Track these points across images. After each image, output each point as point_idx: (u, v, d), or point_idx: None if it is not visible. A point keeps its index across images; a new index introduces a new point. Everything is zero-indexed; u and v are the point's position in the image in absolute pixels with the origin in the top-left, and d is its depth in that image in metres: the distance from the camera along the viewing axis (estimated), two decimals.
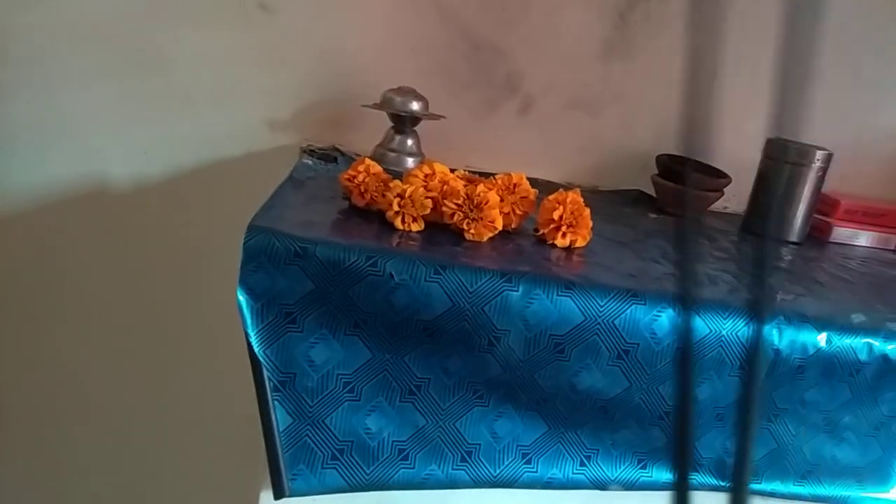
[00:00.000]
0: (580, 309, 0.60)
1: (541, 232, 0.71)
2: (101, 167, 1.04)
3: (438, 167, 0.70)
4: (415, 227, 0.66)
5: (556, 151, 1.10)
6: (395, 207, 0.65)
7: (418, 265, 0.58)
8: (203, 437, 1.17)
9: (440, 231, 0.68)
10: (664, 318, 0.61)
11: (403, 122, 0.96)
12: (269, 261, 0.57)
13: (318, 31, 1.02)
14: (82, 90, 1.00)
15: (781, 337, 0.62)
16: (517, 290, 0.59)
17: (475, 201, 0.66)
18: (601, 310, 0.60)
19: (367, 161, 0.71)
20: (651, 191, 1.06)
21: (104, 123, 1.02)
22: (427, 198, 0.67)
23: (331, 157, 0.94)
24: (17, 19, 0.96)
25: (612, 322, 0.60)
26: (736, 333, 0.62)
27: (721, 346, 0.62)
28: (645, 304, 0.61)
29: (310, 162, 0.88)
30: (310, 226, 0.61)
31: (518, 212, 0.71)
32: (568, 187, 1.09)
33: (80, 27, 0.98)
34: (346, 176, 0.70)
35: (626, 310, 0.60)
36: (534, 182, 1.07)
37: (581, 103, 1.08)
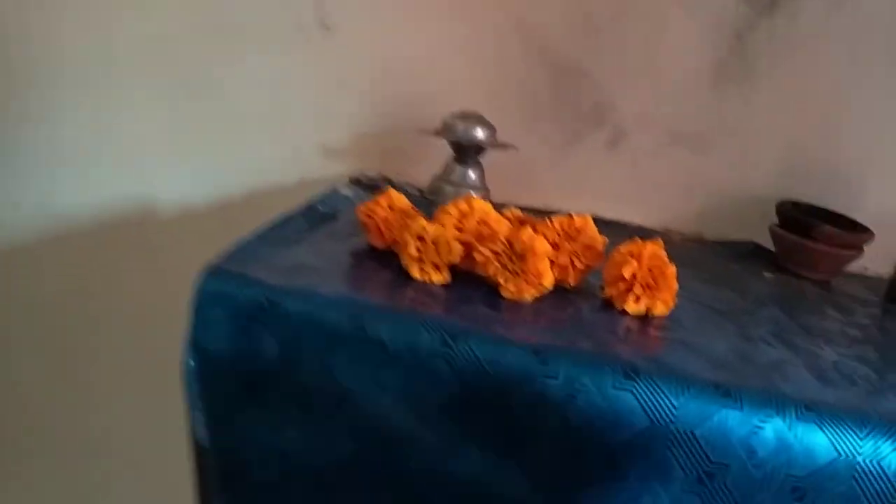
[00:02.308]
0: (645, 409, 0.41)
1: (607, 293, 0.53)
2: (148, 191, 0.95)
3: (478, 204, 0.54)
4: (436, 278, 0.50)
5: (652, 192, 0.91)
6: (413, 251, 0.50)
7: (422, 332, 0.42)
8: None
9: (472, 285, 0.51)
10: (768, 431, 0.41)
11: (466, 152, 0.80)
12: (227, 314, 0.42)
13: (382, 51, 0.89)
14: (132, 112, 0.92)
15: None
16: (557, 378, 0.41)
17: (517, 249, 0.50)
18: (676, 413, 0.41)
19: (393, 193, 0.56)
20: (769, 244, 0.85)
21: (152, 146, 0.93)
22: (457, 241, 0.51)
23: (377, 187, 0.80)
24: (70, 40, 0.90)
25: (692, 432, 0.41)
26: (878, 461, 0.41)
27: (856, 478, 0.41)
28: (741, 409, 0.41)
29: (348, 193, 0.74)
30: (298, 271, 0.47)
31: (579, 265, 0.53)
32: (666, 235, 0.90)
33: (132, 49, 0.90)
34: (365, 210, 0.55)
35: (714, 415, 0.41)
36: (623, 227, 0.90)
37: (684, 137, 0.88)
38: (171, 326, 1.00)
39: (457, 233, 0.51)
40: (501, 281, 0.49)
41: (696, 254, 0.84)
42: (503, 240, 0.50)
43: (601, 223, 0.89)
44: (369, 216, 0.55)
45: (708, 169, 0.89)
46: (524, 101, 0.89)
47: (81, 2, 0.89)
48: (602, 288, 0.54)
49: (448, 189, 0.80)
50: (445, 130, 0.79)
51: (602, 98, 0.87)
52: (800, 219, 0.79)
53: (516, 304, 0.49)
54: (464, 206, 0.54)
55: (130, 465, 1.08)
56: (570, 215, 0.55)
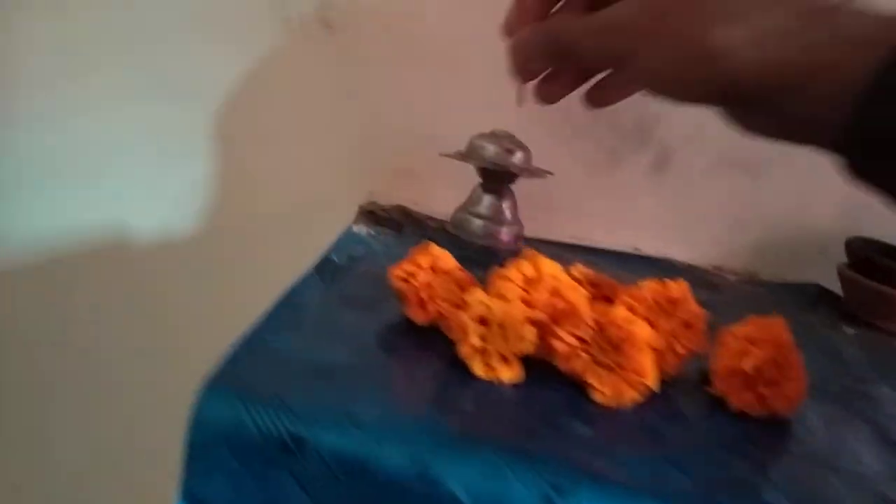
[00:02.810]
0: None
1: (717, 389, 0.41)
2: (121, 216, 0.81)
3: (547, 266, 0.42)
4: (506, 376, 0.38)
5: (700, 223, 0.79)
6: (475, 341, 0.37)
7: (512, 482, 0.30)
8: None
9: (548, 380, 0.39)
10: None
11: (497, 179, 0.68)
12: (236, 457, 0.30)
13: (395, 56, 0.76)
14: (99, 120, 0.77)
15: None
16: None
17: (611, 336, 0.38)
18: None
19: (434, 250, 0.44)
20: (834, 285, 0.74)
21: (124, 162, 0.79)
22: (530, 322, 0.38)
23: (394, 222, 0.67)
24: (24, 31, 0.75)
25: None
26: None
27: None
28: None
29: (363, 231, 0.61)
30: (325, 375, 0.34)
31: (680, 349, 0.41)
32: (715, 273, 0.79)
33: (100, 42, 0.75)
34: (401, 273, 0.43)
35: None
36: (667, 264, 0.78)
37: (738, 160, 0.77)
38: (147, 370, 0.87)
39: (526, 309, 0.38)
40: (593, 381, 0.37)
41: (754, 299, 0.72)
42: (590, 323, 0.38)
43: (644, 261, 0.78)
44: (406, 281, 0.42)
45: (764, 198, 0.78)
46: (556, 116, 0.76)
47: None
48: (705, 380, 0.42)
49: (476, 223, 0.68)
50: (473, 154, 0.67)
51: (646, 113, 0.75)
52: (875, 260, 0.68)
53: (612, 413, 0.37)
54: (529, 269, 0.41)
55: None
56: (662, 282, 0.43)
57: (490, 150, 0.66)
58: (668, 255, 0.79)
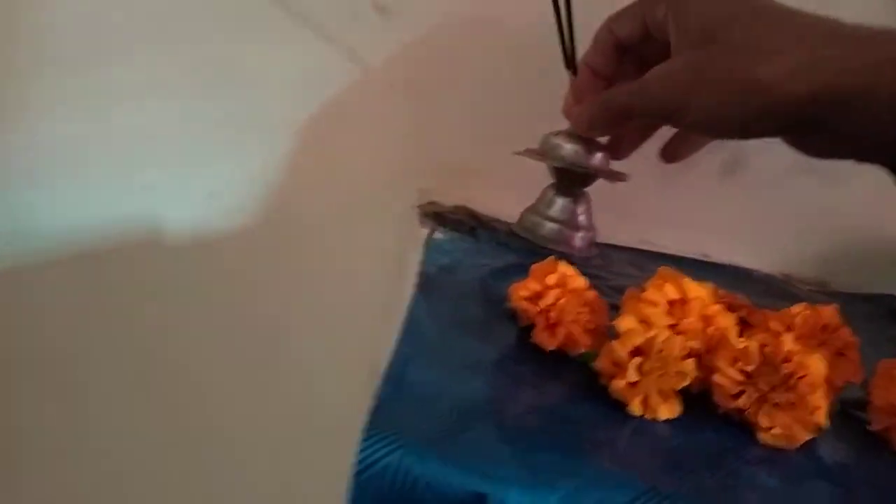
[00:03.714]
0: None
1: (877, 426, 0.37)
2: (154, 210, 0.76)
3: (694, 289, 0.38)
4: (664, 414, 0.34)
5: (771, 230, 0.76)
6: (633, 375, 0.33)
7: None
8: None
9: (705, 417, 0.35)
10: None
11: (572, 181, 0.63)
12: None
13: (451, 42, 0.70)
14: (132, 111, 0.71)
15: None
16: None
17: (782, 371, 0.34)
18: None
19: (561, 266, 0.40)
20: None
21: (157, 154, 0.73)
22: (687, 356, 0.34)
23: (465, 226, 0.62)
24: (58, 16, 0.69)
25: None
26: None
27: None
28: None
29: (440, 237, 0.57)
30: (482, 417, 0.30)
31: (837, 381, 0.38)
32: (786, 282, 0.76)
33: (133, 28, 0.69)
34: (526, 292, 0.38)
35: None
36: (741, 272, 0.74)
37: (814, 167, 0.72)
38: (177, 371, 0.82)
39: (682, 340, 0.34)
40: (763, 422, 0.33)
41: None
42: (757, 355, 0.34)
43: (714, 268, 0.74)
44: (533, 301, 0.38)
45: (838, 204, 0.74)
46: None
47: None
48: (864, 420, 0.38)
49: (547, 227, 0.63)
50: (549, 152, 0.62)
51: None
52: None
53: (782, 456, 0.33)
54: (672, 291, 0.37)
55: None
56: (814, 307, 0.39)
57: (567, 149, 0.61)
58: (736, 261, 0.75)
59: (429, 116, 0.72)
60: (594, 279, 0.57)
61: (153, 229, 0.75)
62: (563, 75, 0.54)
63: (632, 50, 0.43)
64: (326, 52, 0.69)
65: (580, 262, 0.62)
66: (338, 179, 0.74)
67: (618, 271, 0.60)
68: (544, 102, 0.58)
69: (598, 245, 0.68)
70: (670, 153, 0.47)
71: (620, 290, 0.53)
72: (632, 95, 0.38)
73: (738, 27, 0.32)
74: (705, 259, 0.74)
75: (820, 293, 0.73)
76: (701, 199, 0.74)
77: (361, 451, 0.25)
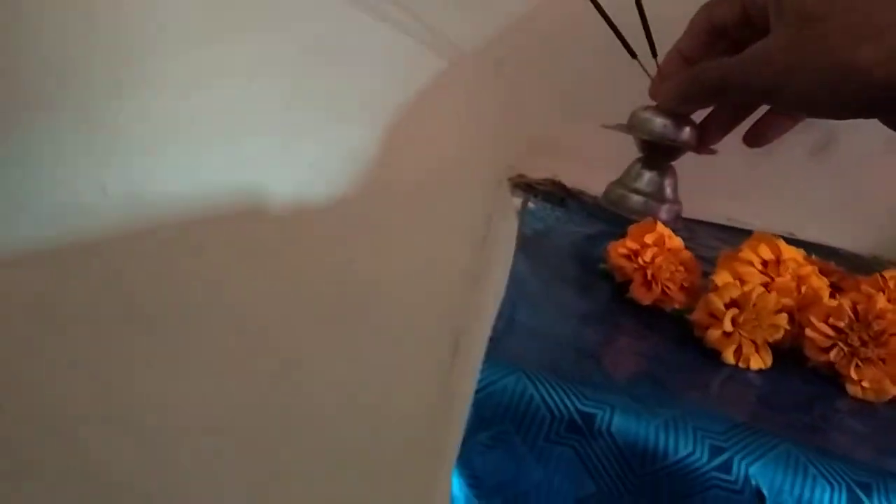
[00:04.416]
0: None
1: None
2: (258, 179, 0.81)
3: (788, 250, 0.40)
4: (756, 364, 0.36)
5: (861, 210, 0.75)
6: (728, 326, 0.35)
7: (808, 467, 0.28)
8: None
9: (795, 370, 0.37)
10: None
11: (660, 155, 0.65)
12: (520, 433, 0.28)
13: (541, 20, 0.72)
14: (240, 84, 0.77)
15: None
16: None
17: (874, 328, 0.35)
18: None
19: (659, 227, 0.42)
20: None
21: (263, 126, 0.78)
22: (779, 311, 0.36)
23: (555, 197, 0.65)
24: None
25: None
26: None
27: None
28: None
29: (533, 206, 0.59)
30: (587, 355, 0.33)
31: None
32: (874, 261, 0.75)
33: (248, 9, 0.74)
34: (624, 249, 0.41)
35: None
36: (827, 250, 0.74)
37: None
38: (276, 335, 0.88)
39: (776, 296, 0.36)
40: (853, 374, 0.35)
41: None
42: (849, 311, 0.35)
43: (797, 244, 0.75)
44: (631, 258, 0.40)
45: None
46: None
47: None
48: None
49: (634, 199, 0.65)
50: (638, 126, 0.64)
51: None
52: None
53: (871, 408, 0.35)
54: (766, 252, 0.39)
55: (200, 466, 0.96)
56: None
57: (657, 122, 0.63)
58: (822, 241, 0.75)
59: (518, 93, 0.74)
60: None
61: (258, 197, 0.81)
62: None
63: (727, 35, 0.43)
64: (422, 31, 0.73)
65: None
66: (430, 153, 0.78)
67: (704, 243, 0.62)
68: (632, 80, 0.60)
69: (684, 220, 0.69)
70: (754, 137, 0.48)
71: (707, 259, 0.55)
72: (729, 71, 0.38)
73: (839, 8, 0.33)
74: (791, 237, 0.74)
75: None
76: (789, 177, 0.75)
77: (482, 373, 0.28)
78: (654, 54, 0.57)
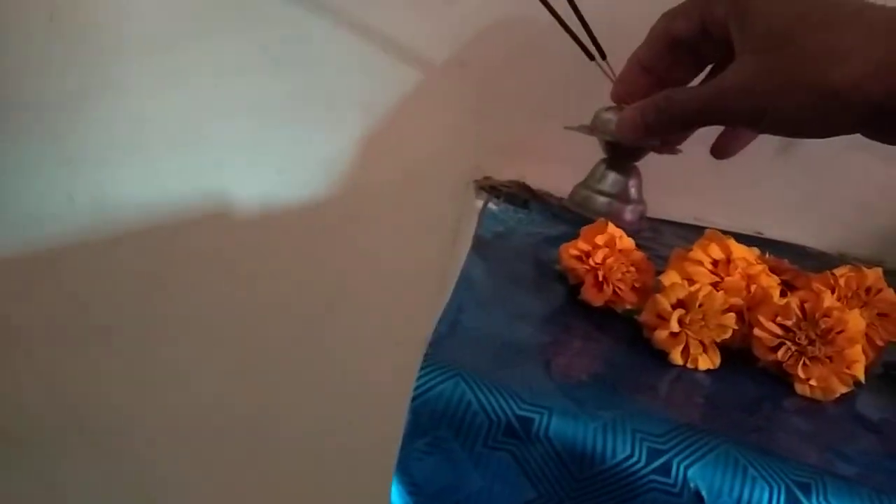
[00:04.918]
0: None
1: None
2: (223, 185, 0.80)
3: (737, 249, 0.39)
4: (704, 364, 0.36)
5: (827, 207, 0.75)
6: (675, 326, 0.35)
7: (747, 467, 0.28)
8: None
9: (742, 370, 0.37)
10: None
11: (624, 155, 0.65)
12: (458, 438, 0.28)
13: (506, 23, 0.72)
14: (205, 88, 0.76)
15: None
16: None
17: (821, 326, 0.35)
18: None
19: (610, 228, 0.42)
20: None
21: (229, 129, 0.77)
22: (727, 311, 0.36)
23: (519, 199, 0.65)
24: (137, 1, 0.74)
25: None
26: None
27: None
28: None
29: (495, 208, 0.59)
30: (530, 357, 0.32)
31: (879, 341, 0.39)
32: (842, 261, 0.76)
33: (211, 12, 0.74)
34: (576, 251, 0.41)
35: None
36: (796, 249, 0.75)
37: (869, 142, 0.73)
38: (244, 339, 0.87)
39: (723, 296, 0.36)
40: (800, 373, 0.35)
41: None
42: (796, 310, 0.35)
43: (764, 243, 0.75)
44: (582, 259, 0.40)
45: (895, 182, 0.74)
46: None
47: None
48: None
49: (599, 201, 0.65)
50: (599, 127, 0.64)
51: None
52: None
53: (820, 407, 0.35)
54: (716, 251, 0.39)
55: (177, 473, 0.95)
56: (858, 269, 0.40)
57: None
58: (789, 239, 0.75)
59: (486, 96, 0.74)
60: (643, 249, 0.59)
61: (224, 203, 0.80)
62: (614, 54, 0.56)
63: (685, 47, 0.43)
64: (389, 33, 0.72)
65: (630, 235, 0.64)
66: (398, 156, 0.77)
67: (668, 243, 0.62)
68: (598, 81, 0.59)
69: (650, 220, 0.69)
70: (721, 150, 0.48)
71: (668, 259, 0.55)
72: (706, 101, 0.37)
73: (806, 29, 0.32)
74: (758, 236, 0.75)
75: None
76: (755, 175, 0.75)
77: (418, 379, 0.28)
78: (604, 56, 0.57)
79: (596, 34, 0.59)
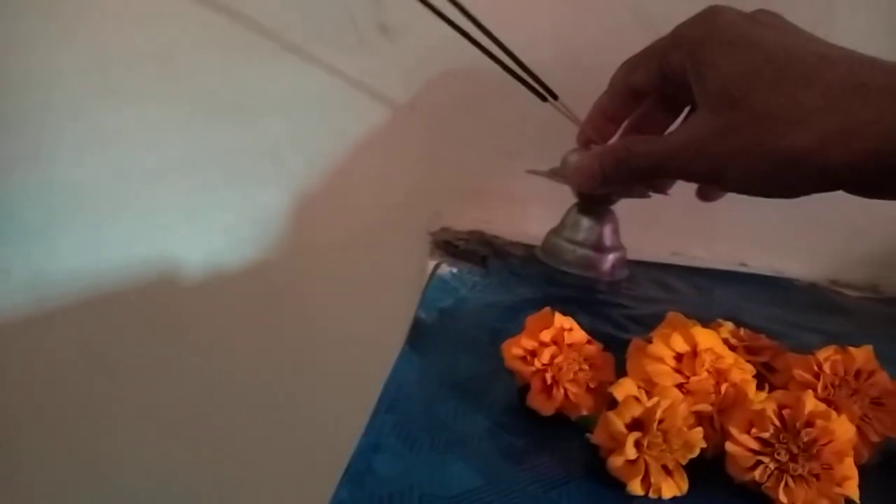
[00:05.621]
0: None
1: None
2: (168, 249, 0.75)
3: (703, 337, 0.34)
4: (668, 492, 0.30)
5: (815, 233, 0.70)
6: (631, 453, 0.30)
7: None
8: None
9: (711, 486, 0.31)
10: None
11: (596, 200, 0.60)
12: None
13: (457, 60, 0.67)
14: (144, 148, 0.71)
15: None
16: None
17: (803, 438, 0.30)
18: None
19: (557, 319, 0.36)
20: None
21: (170, 193, 0.72)
22: (693, 425, 0.31)
23: (476, 255, 0.59)
24: (53, 55, 0.69)
25: None
26: None
27: None
28: None
29: (446, 273, 0.54)
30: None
31: (872, 436, 0.33)
32: (835, 290, 0.70)
33: (139, 65, 0.68)
34: (520, 350, 0.35)
35: None
36: (783, 282, 0.69)
37: None
38: (197, 412, 0.82)
39: (688, 401, 0.31)
40: (782, 497, 0.29)
41: (884, 319, 0.64)
42: (775, 419, 0.30)
43: (753, 279, 0.69)
44: (527, 360, 0.35)
45: (886, 204, 0.68)
46: None
47: (69, 12, 0.67)
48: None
49: (572, 252, 0.60)
50: (566, 172, 0.58)
51: None
52: None
53: None
54: (680, 343, 0.33)
55: None
56: (844, 349, 0.35)
57: None
58: (777, 269, 0.70)
59: (440, 137, 0.69)
60: (614, 308, 0.53)
61: (169, 269, 0.75)
62: (576, 93, 0.51)
63: (654, 94, 0.42)
64: (333, 77, 0.67)
65: (608, 287, 0.58)
66: (351, 206, 0.72)
67: (642, 296, 0.56)
68: (555, 120, 0.54)
69: (628, 262, 0.64)
70: (705, 193, 0.47)
71: (641, 322, 0.49)
72: (662, 158, 0.36)
73: (760, 88, 0.31)
74: (743, 269, 0.69)
75: (870, 300, 0.67)
76: (736, 204, 0.69)
77: None
78: (555, 97, 0.52)
79: (553, 72, 0.54)
